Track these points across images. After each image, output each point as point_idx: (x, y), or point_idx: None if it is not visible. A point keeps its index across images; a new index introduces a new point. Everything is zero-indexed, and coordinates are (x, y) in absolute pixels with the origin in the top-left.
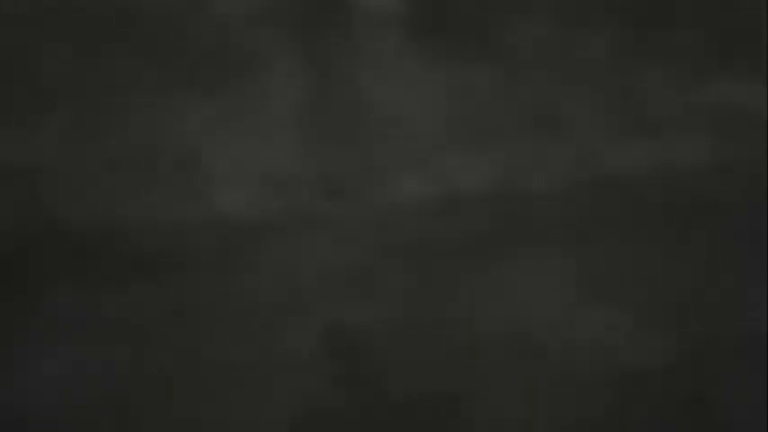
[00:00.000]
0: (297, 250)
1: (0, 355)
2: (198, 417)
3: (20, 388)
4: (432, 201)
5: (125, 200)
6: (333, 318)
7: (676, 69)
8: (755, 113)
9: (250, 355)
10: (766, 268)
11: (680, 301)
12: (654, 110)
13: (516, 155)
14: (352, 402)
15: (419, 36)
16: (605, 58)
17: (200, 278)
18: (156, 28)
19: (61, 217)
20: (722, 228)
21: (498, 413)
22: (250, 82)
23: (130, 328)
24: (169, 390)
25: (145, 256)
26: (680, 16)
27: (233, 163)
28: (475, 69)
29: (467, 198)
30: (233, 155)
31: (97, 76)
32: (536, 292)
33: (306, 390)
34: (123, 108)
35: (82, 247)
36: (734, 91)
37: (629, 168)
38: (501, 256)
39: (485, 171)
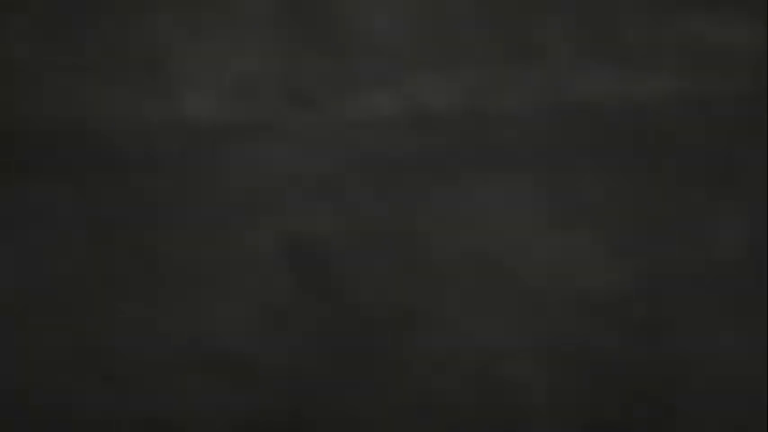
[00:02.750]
0: (261, 157)
1: None
2: (153, 315)
3: None
4: (399, 117)
5: (93, 98)
6: (292, 226)
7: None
8: (728, 46)
9: (208, 257)
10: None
11: (646, 228)
12: (625, 39)
13: (486, 77)
14: (308, 309)
15: None
16: None
17: (163, 178)
18: None
19: (27, 112)
20: (691, 158)
21: (453, 329)
22: None
23: (90, 222)
24: (125, 285)
25: (110, 153)
26: None
27: (203, 66)
28: None
29: (435, 117)
30: (203, 58)
31: None
32: (501, 213)
33: (263, 295)
34: (93, 6)
35: (47, 141)
36: (706, 23)
37: (600, 96)
38: (467, 176)
39: (454, 91)
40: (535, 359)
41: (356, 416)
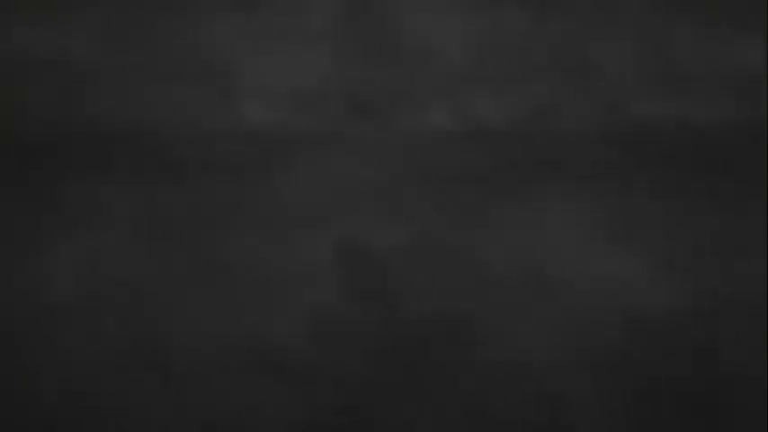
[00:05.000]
0: (320, 165)
1: (20, 241)
2: (210, 316)
3: (34, 273)
4: (458, 132)
5: (156, 103)
6: (350, 234)
7: (708, 27)
8: None
9: (266, 263)
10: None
11: (698, 250)
12: (683, 65)
13: (544, 95)
14: (364, 316)
15: None
16: (637, 8)
17: (222, 184)
18: None
19: (91, 114)
20: (747, 183)
21: (508, 341)
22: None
23: (149, 225)
24: (183, 287)
25: (170, 158)
26: None
27: (264, 75)
28: (506, 9)
29: (493, 132)
30: (265, 67)
31: None
32: (556, 228)
33: (320, 301)
34: (157, 10)
35: (109, 144)
36: (763, 52)
37: (657, 118)
38: (524, 191)
39: (512, 108)
40: (587, 374)
41: (408, 422)
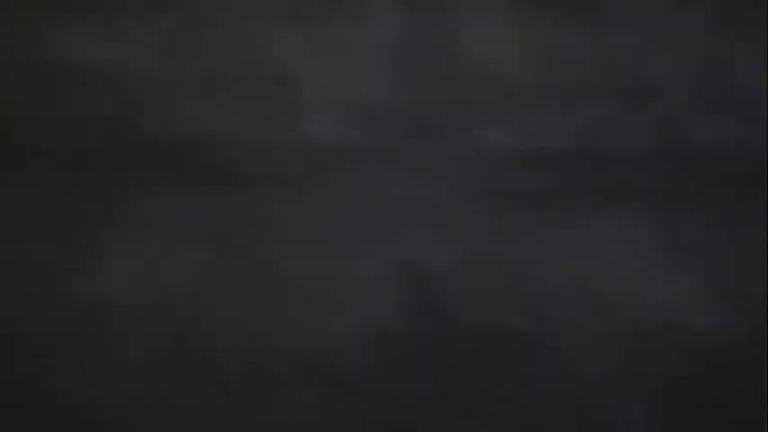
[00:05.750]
0: (378, 181)
1: (78, 252)
2: (266, 329)
3: (91, 284)
4: (516, 151)
5: (213, 114)
6: (407, 251)
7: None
8: None
9: (323, 276)
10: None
11: (749, 274)
12: (740, 90)
13: (602, 117)
14: (422, 332)
15: None
16: (695, 32)
17: (280, 196)
18: None
19: (148, 124)
20: None
21: (565, 358)
22: (348, 14)
23: (207, 237)
24: (239, 297)
25: (227, 169)
26: None
27: (324, 89)
28: (565, 32)
29: (551, 153)
30: (324, 82)
31: None
32: (611, 248)
33: (377, 315)
34: (219, 24)
35: (166, 154)
36: None
37: (712, 143)
38: (580, 213)
39: (570, 129)
40: (636, 395)
41: None
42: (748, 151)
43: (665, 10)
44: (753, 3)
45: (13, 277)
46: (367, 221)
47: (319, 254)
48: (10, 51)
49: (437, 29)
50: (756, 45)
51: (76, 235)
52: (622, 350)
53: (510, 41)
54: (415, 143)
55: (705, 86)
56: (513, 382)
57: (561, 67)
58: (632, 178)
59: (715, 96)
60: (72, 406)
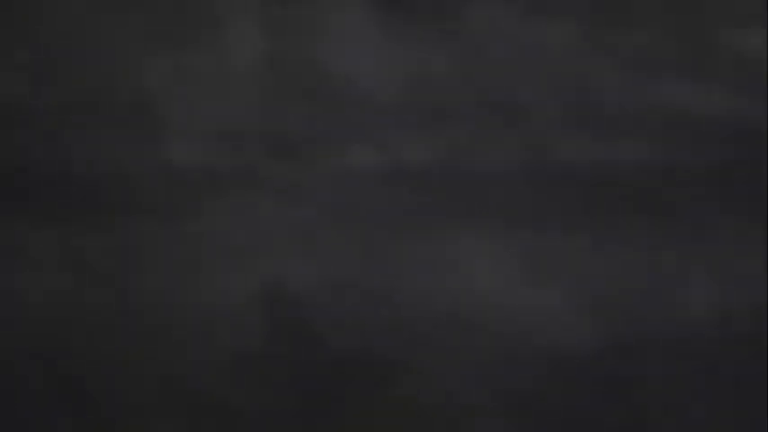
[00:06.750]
0: (243, 206)
1: None
2: (129, 358)
3: None
4: (379, 171)
5: (75, 140)
6: (273, 275)
7: (632, 68)
8: (709, 118)
9: (185, 302)
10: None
11: (615, 291)
12: (609, 106)
13: (467, 135)
14: (282, 359)
15: (379, 10)
16: (562, 49)
17: (145, 223)
18: None
19: (8, 152)
20: (666, 227)
21: (424, 384)
22: (209, 39)
23: (72, 263)
24: (109, 325)
25: (92, 196)
26: (638, 15)
27: (187, 114)
28: (433, 49)
29: (414, 172)
30: (188, 107)
31: (54, 19)
32: (475, 269)
33: (237, 341)
34: (80, 52)
35: (28, 182)
36: (683, 93)
37: (579, 160)
38: (444, 231)
39: (435, 148)
40: (506, 415)
41: None
42: (613, 168)
43: (534, 28)
44: (613, 19)
45: None
46: (231, 247)
47: (181, 279)
48: None
49: (297, 50)
50: (624, 61)
51: None
52: (488, 371)
53: (375, 61)
54: (278, 165)
55: (572, 105)
56: (377, 406)
57: (427, 86)
58: (496, 195)
59: (583, 115)
60: None
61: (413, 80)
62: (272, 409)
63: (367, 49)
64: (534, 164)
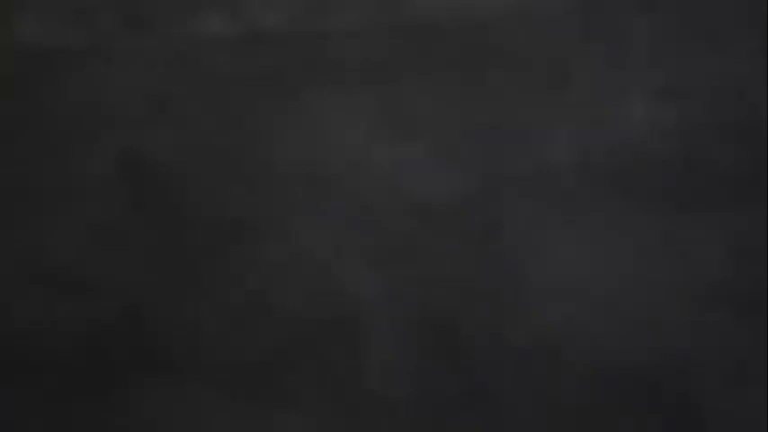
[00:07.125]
0: (96, 78)
1: None
2: None
3: None
4: (232, 37)
5: None
6: (130, 144)
7: None
8: None
9: (47, 176)
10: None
11: (475, 139)
12: None
13: None
14: (144, 223)
15: None
16: None
17: (1, 100)
18: None
19: None
20: (518, 75)
21: (288, 241)
22: None
23: None
24: None
25: None
26: None
27: None
28: None
29: (267, 36)
30: None
31: None
32: (334, 127)
33: (98, 210)
34: None
35: None
36: None
37: (429, 13)
38: (301, 92)
39: (285, 9)
40: (368, 264)
41: (192, 320)
42: (464, 21)
43: None
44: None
45: None
46: (83, 120)
47: (40, 154)
48: None
49: None
50: None
51: None
52: (352, 223)
53: None
54: (128, 36)
55: None
56: (241, 264)
57: None
58: (350, 54)
59: None
60: None
61: None
62: (131, 276)
63: None
64: (384, 21)
